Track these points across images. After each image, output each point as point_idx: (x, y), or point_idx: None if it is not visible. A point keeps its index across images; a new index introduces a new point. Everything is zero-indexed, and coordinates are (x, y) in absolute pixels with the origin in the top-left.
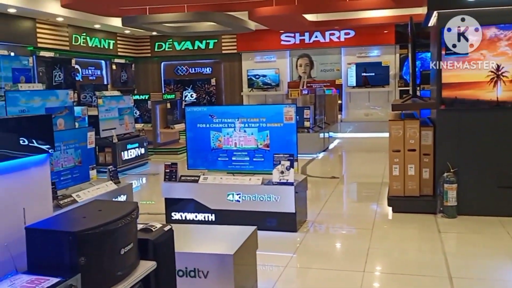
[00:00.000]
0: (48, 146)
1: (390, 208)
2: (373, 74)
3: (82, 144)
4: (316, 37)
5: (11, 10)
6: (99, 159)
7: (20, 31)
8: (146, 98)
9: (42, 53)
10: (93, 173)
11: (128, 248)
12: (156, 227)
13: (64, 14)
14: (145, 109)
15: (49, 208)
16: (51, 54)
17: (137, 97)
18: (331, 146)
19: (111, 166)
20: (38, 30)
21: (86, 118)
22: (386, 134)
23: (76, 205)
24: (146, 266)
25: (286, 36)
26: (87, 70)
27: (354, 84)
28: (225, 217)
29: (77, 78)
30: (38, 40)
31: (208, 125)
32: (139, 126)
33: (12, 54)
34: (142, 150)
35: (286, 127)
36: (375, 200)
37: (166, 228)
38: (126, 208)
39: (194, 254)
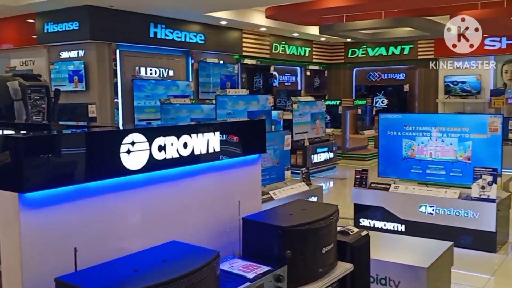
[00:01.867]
0: (262, 147)
1: None
2: None
3: (279, 146)
4: None
5: (223, 22)
6: (291, 160)
7: (228, 41)
8: (337, 103)
9: (246, 61)
10: (287, 173)
11: (329, 248)
12: (353, 231)
13: (267, 24)
14: (336, 114)
15: (259, 203)
16: (253, 61)
17: (328, 102)
18: None
19: (304, 168)
20: (243, 39)
21: (281, 121)
22: None
23: (272, 202)
24: (344, 267)
25: (490, 41)
26: (283, 76)
27: None
28: (415, 229)
29: (274, 84)
30: (243, 49)
31: (401, 133)
32: (329, 130)
33: (221, 62)
34: (331, 154)
35: (490, 138)
36: None
37: (363, 233)
38: (327, 209)
39: (386, 262)
